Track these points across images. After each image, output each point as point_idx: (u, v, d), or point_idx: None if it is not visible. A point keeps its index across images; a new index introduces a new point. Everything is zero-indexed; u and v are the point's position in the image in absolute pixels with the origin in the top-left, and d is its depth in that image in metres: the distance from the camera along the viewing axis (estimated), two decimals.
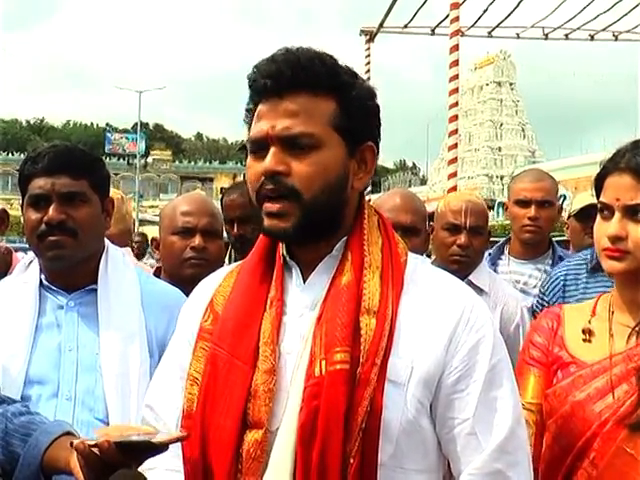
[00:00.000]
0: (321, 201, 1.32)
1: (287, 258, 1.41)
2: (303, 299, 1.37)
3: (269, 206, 1.33)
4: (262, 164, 1.33)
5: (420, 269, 1.41)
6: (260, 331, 1.34)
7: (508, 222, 3.55)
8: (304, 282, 1.38)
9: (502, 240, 3.42)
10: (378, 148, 1.41)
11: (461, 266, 2.68)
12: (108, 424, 1.73)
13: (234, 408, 1.30)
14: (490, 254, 3.32)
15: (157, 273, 2.53)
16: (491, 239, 2.97)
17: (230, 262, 2.81)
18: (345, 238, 1.38)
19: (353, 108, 1.35)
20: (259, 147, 1.34)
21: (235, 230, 2.68)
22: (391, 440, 1.27)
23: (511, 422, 1.32)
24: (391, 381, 1.27)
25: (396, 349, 1.29)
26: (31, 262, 1.97)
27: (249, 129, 1.40)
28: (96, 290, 1.90)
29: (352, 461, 1.23)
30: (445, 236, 2.75)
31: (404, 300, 1.34)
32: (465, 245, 2.71)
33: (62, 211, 1.84)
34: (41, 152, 1.89)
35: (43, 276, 1.92)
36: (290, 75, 1.32)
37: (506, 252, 3.31)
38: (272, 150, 1.32)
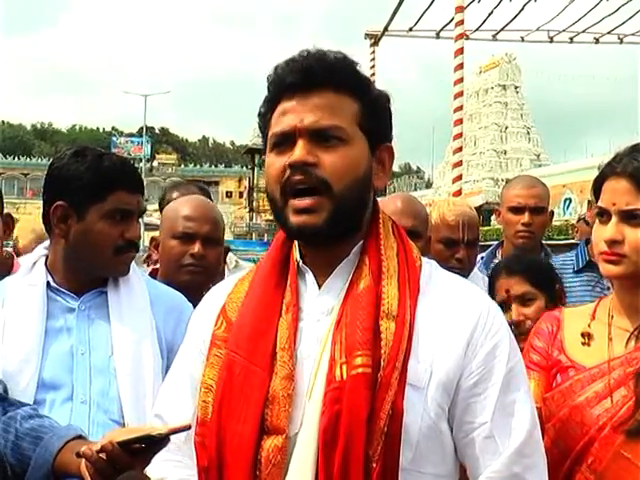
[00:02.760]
0: (350, 196, 1.33)
1: (300, 263, 1.40)
2: (320, 304, 1.36)
3: (298, 202, 1.31)
4: (288, 156, 1.31)
5: (435, 274, 1.42)
6: (276, 336, 1.33)
7: None
8: (319, 287, 1.38)
9: (494, 244, 3.43)
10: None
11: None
12: (124, 425, 1.73)
13: (252, 414, 1.29)
14: (482, 258, 3.34)
15: (153, 274, 2.45)
16: (488, 242, 2.99)
17: None
18: (361, 242, 1.38)
19: (374, 109, 1.38)
20: (284, 141, 1.33)
21: None
22: (411, 444, 1.26)
23: (529, 425, 1.32)
24: (411, 385, 1.27)
25: (415, 353, 1.29)
26: (35, 263, 1.95)
27: (264, 132, 1.39)
28: (105, 292, 1.90)
29: (375, 465, 1.22)
30: (441, 249, 2.79)
31: (421, 304, 1.34)
32: (462, 259, 2.80)
33: (137, 228, 1.94)
34: (122, 166, 1.91)
35: (50, 278, 1.90)
36: (319, 71, 1.32)
37: (499, 256, 3.31)
38: (300, 142, 1.31)
